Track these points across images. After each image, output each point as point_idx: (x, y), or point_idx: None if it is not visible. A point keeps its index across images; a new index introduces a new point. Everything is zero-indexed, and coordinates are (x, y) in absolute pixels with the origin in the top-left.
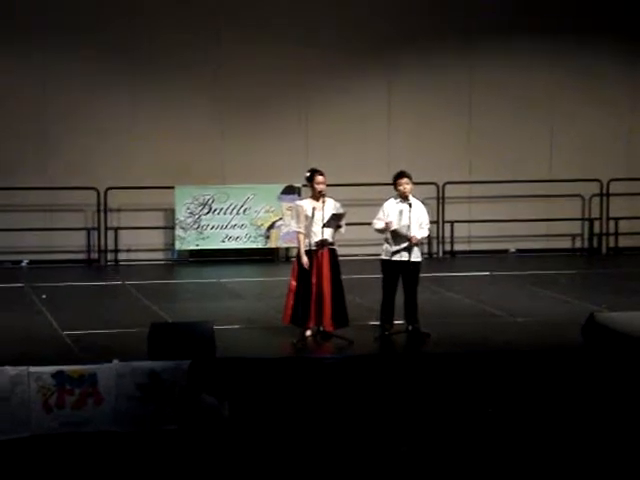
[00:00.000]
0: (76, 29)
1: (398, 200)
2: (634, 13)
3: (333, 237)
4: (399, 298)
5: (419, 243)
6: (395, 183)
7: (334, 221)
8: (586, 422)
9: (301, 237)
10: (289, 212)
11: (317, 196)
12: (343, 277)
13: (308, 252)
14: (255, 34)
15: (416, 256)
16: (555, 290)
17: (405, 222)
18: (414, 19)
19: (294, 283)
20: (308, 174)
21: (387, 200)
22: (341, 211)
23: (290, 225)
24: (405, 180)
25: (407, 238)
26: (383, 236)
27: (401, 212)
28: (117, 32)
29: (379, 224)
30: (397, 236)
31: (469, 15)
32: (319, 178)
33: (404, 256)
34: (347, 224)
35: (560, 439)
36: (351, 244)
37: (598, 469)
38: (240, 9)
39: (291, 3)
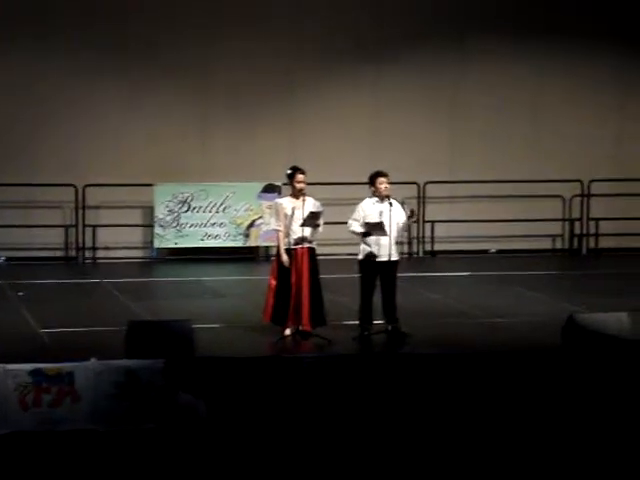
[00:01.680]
0: (61, 24)
1: (375, 200)
2: (621, 15)
3: (312, 236)
4: (377, 298)
5: (397, 242)
6: (373, 183)
7: (312, 220)
8: (565, 422)
9: (281, 235)
10: (269, 211)
11: (297, 194)
12: (322, 276)
13: (287, 251)
14: (239, 33)
15: (394, 256)
16: (535, 291)
17: (386, 222)
18: (400, 18)
19: (274, 282)
20: (289, 172)
21: (363, 200)
22: (320, 209)
23: (270, 224)
24: (384, 179)
25: (384, 232)
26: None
27: (381, 213)
28: (102, 29)
29: (355, 227)
30: (375, 236)
31: (455, 15)
32: (299, 176)
33: (382, 256)
34: (328, 223)
35: (539, 439)
36: (332, 243)
37: (577, 468)
38: (225, 8)
39: (276, 1)
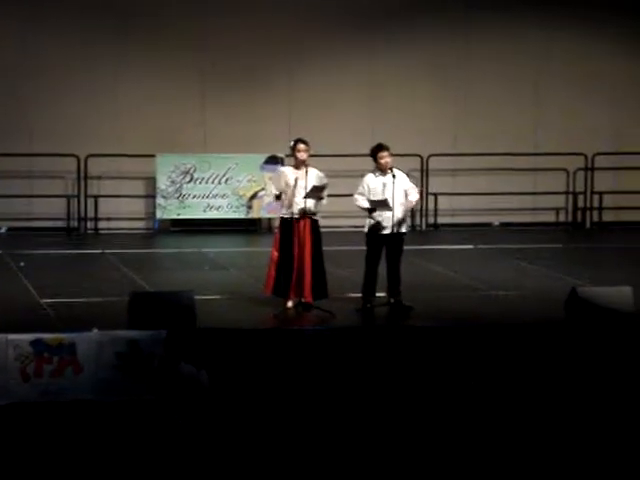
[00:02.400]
0: None
1: (378, 173)
2: None
3: (315, 208)
4: (382, 270)
5: (406, 214)
6: (375, 157)
7: (315, 192)
8: (568, 396)
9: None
10: (270, 180)
11: (299, 165)
12: (326, 249)
13: (290, 221)
14: (239, 5)
15: (401, 228)
16: (538, 264)
17: (388, 195)
18: None
19: (276, 253)
20: (292, 143)
21: (367, 175)
22: (324, 181)
23: (271, 189)
24: (386, 153)
25: (389, 208)
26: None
27: (385, 185)
28: (102, 2)
29: (362, 201)
30: (380, 206)
31: None
32: (301, 146)
33: (387, 229)
34: (330, 196)
35: (543, 414)
36: (334, 215)
37: (582, 446)
38: None
39: None
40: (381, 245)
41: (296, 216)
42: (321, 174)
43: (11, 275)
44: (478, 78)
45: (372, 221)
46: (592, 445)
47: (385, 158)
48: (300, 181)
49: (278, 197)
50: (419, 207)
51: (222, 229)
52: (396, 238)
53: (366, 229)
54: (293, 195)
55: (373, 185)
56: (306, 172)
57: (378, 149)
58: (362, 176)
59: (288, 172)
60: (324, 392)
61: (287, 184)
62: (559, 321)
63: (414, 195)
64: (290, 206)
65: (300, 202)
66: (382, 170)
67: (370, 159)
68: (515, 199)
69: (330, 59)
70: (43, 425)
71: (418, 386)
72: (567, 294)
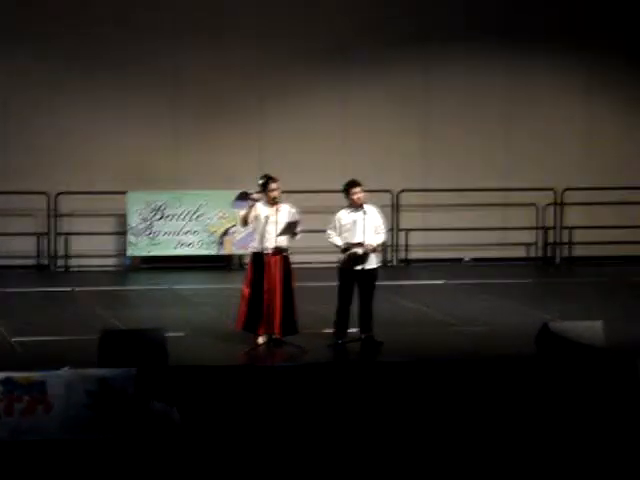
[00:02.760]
0: (35, 30)
1: (350, 210)
2: (588, 16)
3: (288, 242)
4: (355, 306)
5: (376, 250)
6: (348, 192)
7: (289, 229)
8: (538, 430)
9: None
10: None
11: (271, 203)
12: (298, 284)
13: (260, 256)
14: (212, 40)
15: (372, 263)
16: (509, 299)
17: (359, 231)
18: (369, 23)
19: (247, 290)
20: (261, 181)
21: (339, 211)
22: (297, 217)
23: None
24: (358, 189)
25: (362, 247)
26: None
27: (355, 222)
28: (69, 37)
29: (335, 238)
30: (353, 246)
31: (424, 19)
32: (273, 185)
33: (361, 264)
34: (303, 231)
35: (513, 447)
36: (306, 251)
37: (550, 475)
38: (198, 13)
39: (246, 7)
40: (353, 280)
41: (266, 252)
42: (293, 210)
43: None
44: (447, 113)
45: (345, 256)
46: (561, 476)
47: (357, 194)
48: (271, 217)
49: (245, 222)
50: (390, 242)
51: (193, 266)
52: (368, 274)
53: (339, 264)
54: (264, 231)
55: (344, 221)
56: (277, 210)
57: (350, 185)
58: (333, 212)
59: (260, 207)
60: (295, 428)
61: (257, 218)
62: (530, 356)
63: (380, 237)
64: (261, 241)
65: (271, 238)
66: (354, 206)
67: (341, 195)
68: (486, 234)
69: (301, 95)
70: (13, 464)
71: (389, 422)
72: (538, 329)
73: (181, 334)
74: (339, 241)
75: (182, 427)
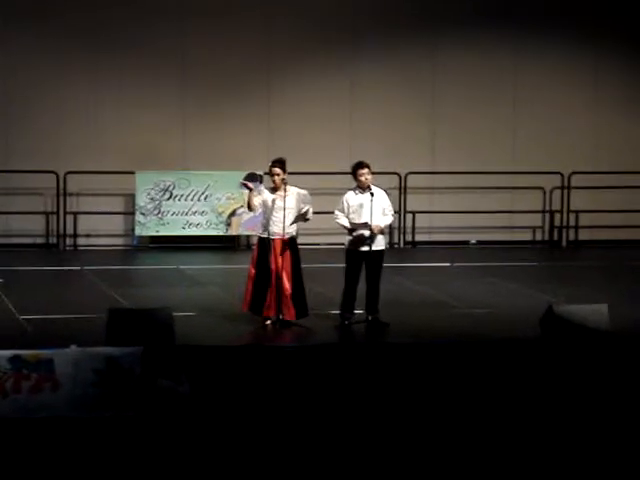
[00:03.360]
0: (39, 11)
1: (358, 191)
2: (597, 9)
3: (295, 229)
4: (361, 288)
5: (383, 231)
6: (355, 174)
7: (301, 217)
8: (544, 413)
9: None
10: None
11: (277, 187)
12: (305, 266)
13: (267, 240)
14: (220, 21)
15: (380, 245)
16: (515, 282)
17: (366, 213)
18: (377, 6)
19: (253, 270)
20: (270, 164)
21: (347, 192)
22: (307, 201)
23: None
24: (366, 170)
25: (369, 229)
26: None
27: (362, 205)
28: (80, 15)
29: (342, 219)
30: (360, 228)
31: (433, 3)
32: (275, 169)
33: (367, 246)
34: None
35: (517, 431)
36: (313, 233)
37: (554, 460)
38: None
39: None
40: (360, 262)
41: (272, 237)
42: (302, 192)
43: None
44: (455, 97)
45: (352, 238)
46: (566, 462)
47: (364, 175)
48: (278, 201)
49: (250, 208)
50: (396, 225)
51: (201, 246)
52: (375, 255)
53: (346, 246)
54: (271, 215)
55: (352, 203)
56: (284, 194)
57: (358, 166)
58: (341, 194)
59: (266, 192)
60: (301, 409)
61: (264, 204)
62: (535, 338)
63: (387, 219)
64: (267, 226)
65: (278, 222)
66: (361, 187)
67: (349, 177)
68: (492, 217)
69: (310, 77)
70: (21, 442)
71: (394, 403)
72: (543, 312)
73: (188, 314)
74: (346, 222)
75: (190, 401)
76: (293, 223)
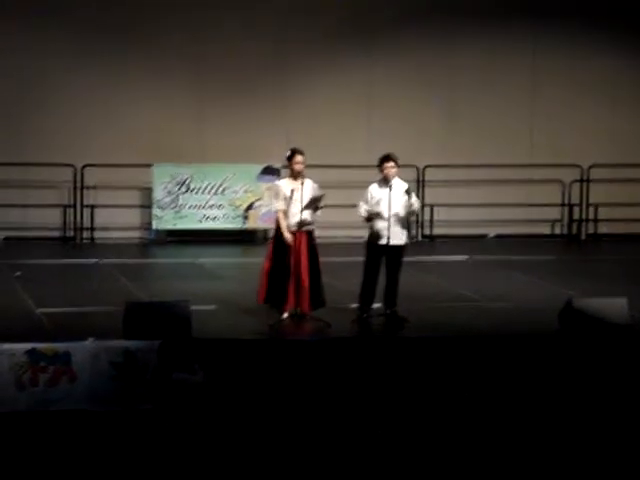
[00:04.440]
0: (53, 7)
1: (382, 184)
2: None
3: (312, 217)
4: (381, 281)
5: (407, 221)
6: (380, 166)
7: (313, 203)
8: (563, 407)
9: (281, 215)
10: (268, 192)
11: (296, 176)
12: (323, 260)
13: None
14: (237, 15)
15: (400, 239)
16: (533, 275)
17: (384, 207)
18: (393, 3)
19: (268, 263)
20: (288, 153)
21: (373, 184)
22: (319, 193)
23: (271, 204)
24: (390, 164)
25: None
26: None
27: (382, 197)
28: (95, 10)
29: (362, 210)
30: (378, 216)
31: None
32: (298, 158)
33: (382, 239)
34: (327, 206)
35: (537, 424)
36: (331, 226)
37: (574, 454)
38: None
39: None
40: (380, 255)
41: (292, 229)
42: (316, 185)
43: (7, 284)
44: (473, 90)
45: (372, 231)
46: (585, 455)
47: (388, 169)
48: (296, 192)
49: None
50: (415, 218)
51: (218, 239)
52: (395, 250)
53: (366, 239)
54: (290, 207)
55: (374, 194)
56: (302, 183)
57: (384, 159)
58: (358, 187)
59: (284, 185)
60: (319, 402)
61: (285, 198)
62: (553, 332)
63: (416, 204)
64: (287, 217)
65: (297, 213)
66: (385, 180)
67: (366, 170)
68: (510, 211)
69: (327, 70)
70: (38, 434)
71: (413, 397)
72: (562, 305)
73: (206, 307)
74: (365, 212)
75: (205, 390)
76: (306, 209)
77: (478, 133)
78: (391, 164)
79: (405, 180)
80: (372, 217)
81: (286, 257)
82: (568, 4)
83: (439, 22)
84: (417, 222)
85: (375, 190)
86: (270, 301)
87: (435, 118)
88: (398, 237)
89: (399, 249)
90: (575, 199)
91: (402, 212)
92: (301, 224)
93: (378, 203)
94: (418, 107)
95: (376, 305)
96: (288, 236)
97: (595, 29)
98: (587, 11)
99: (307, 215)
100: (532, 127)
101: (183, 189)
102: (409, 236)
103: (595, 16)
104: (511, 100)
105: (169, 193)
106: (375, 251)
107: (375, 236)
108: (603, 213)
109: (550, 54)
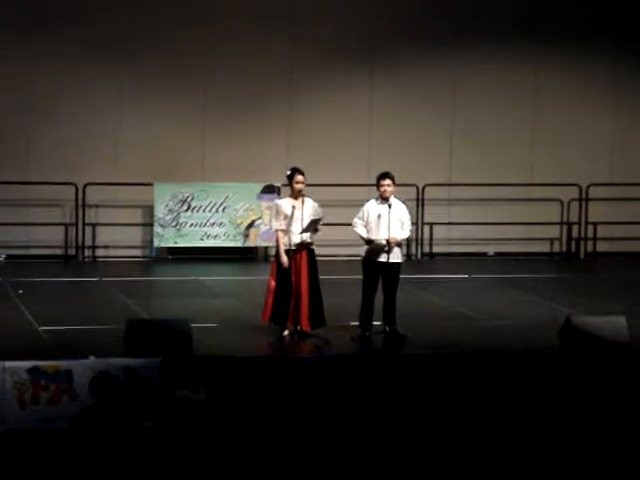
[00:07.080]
0: (61, 24)
1: (379, 201)
2: (616, 18)
3: (311, 237)
4: (379, 299)
5: (400, 244)
6: (377, 184)
7: (312, 225)
8: (562, 424)
9: (280, 235)
10: (268, 211)
11: (296, 195)
12: (323, 277)
13: (287, 251)
14: (240, 33)
15: (396, 257)
16: (533, 293)
17: (384, 224)
18: (397, 20)
19: (273, 283)
20: (288, 173)
21: (369, 201)
22: (319, 212)
23: (271, 224)
24: (387, 182)
25: (386, 241)
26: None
27: (379, 216)
28: (102, 27)
29: (360, 228)
30: (377, 239)
31: (453, 16)
32: (299, 177)
33: (384, 257)
34: (327, 224)
35: (536, 441)
36: (331, 244)
37: (573, 472)
38: (227, 8)
39: (276, 3)
40: (377, 273)
41: (293, 248)
42: (316, 204)
43: (9, 302)
44: (473, 109)
45: (368, 248)
46: (585, 473)
47: (384, 186)
48: (297, 211)
49: (284, 231)
50: (414, 236)
51: (219, 257)
52: (391, 267)
53: (363, 256)
54: (290, 225)
55: (371, 212)
56: (302, 202)
57: (381, 177)
58: (359, 206)
59: (284, 204)
60: (319, 419)
61: (285, 216)
62: (553, 351)
63: (405, 232)
64: (287, 236)
65: (297, 232)
66: (382, 198)
67: (367, 189)
68: (510, 229)
69: (328, 89)
70: (40, 452)
71: (412, 414)
72: (561, 323)
73: (207, 325)
74: (364, 232)
75: (207, 408)
76: (305, 231)
77: (478, 152)
78: (387, 182)
79: (405, 199)
80: (373, 242)
81: (289, 276)
82: (570, 24)
83: (440, 41)
84: (416, 240)
85: (372, 207)
86: (275, 320)
87: (435, 137)
88: (396, 255)
89: (396, 267)
90: (574, 217)
91: (400, 234)
92: (302, 244)
93: (374, 220)
94: (419, 126)
95: (376, 323)
96: (285, 259)
97: (597, 50)
98: (589, 31)
99: (307, 236)
100: (531, 146)
101: (184, 207)
102: (403, 254)
103: (597, 37)
104: (511, 119)
105: (170, 211)
106: (373, 268)
107: (373, 253)
108: (602, 231)
109: (551, 77)
